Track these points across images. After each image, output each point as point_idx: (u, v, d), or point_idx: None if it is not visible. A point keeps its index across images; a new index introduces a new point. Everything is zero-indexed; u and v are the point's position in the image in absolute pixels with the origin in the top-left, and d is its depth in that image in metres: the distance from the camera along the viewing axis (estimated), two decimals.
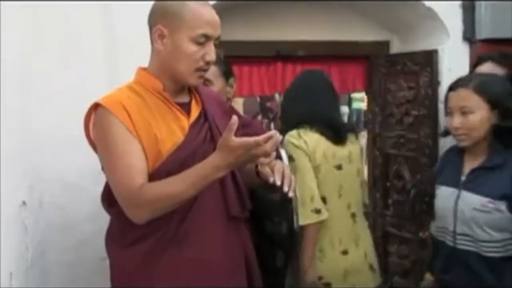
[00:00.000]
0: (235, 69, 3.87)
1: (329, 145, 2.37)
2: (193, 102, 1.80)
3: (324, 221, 2.28)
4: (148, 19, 1.75)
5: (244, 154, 1.54)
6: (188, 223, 1.69)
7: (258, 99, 8.17)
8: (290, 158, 2.35)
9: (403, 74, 3.62)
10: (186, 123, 1.74)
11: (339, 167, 2.36)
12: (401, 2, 3.42)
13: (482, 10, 3.33)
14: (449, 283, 2.09)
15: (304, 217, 2.28)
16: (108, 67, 2.67)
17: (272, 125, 7.92)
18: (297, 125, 2.40)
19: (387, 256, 3.73)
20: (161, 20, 1.68)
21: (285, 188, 1.65)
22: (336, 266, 2.31)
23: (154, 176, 1.65)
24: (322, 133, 2.35)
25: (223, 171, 1.58)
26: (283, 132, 2.33)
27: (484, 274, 1.94)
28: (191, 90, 1.82)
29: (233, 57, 3.53)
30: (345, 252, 2.32)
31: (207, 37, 1.68)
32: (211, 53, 1.70)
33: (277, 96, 7.24)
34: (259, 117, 7.90)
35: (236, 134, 1.55)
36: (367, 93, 4.17)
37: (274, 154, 1.63)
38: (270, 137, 1.53)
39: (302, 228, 2.31)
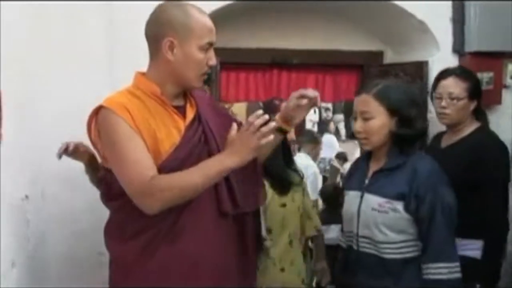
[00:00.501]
0: (232, 75, 4.02)
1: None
2: (188, 105, 1.91)
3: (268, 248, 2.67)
4: (151, 31, 1.84)
5: (244, 139, 1.70)
6: (184, 219, 1.78)
7: (261, 104, 8.24)
8: None
9: None
10: (182, 125, 1.84)
11: (283, 205, 2.74)
12: (394, 14, 3.55)
13: (471, 23, 3.46)
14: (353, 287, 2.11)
15: None
16: (108, 67, 2.75)
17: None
18: None
19: None
20: (170, 32, 1.78)
21: (311, 94, 1.87)
22: (275, 280, 2.70)
23: None
24: (271, 185, 2.67)
25: (231, 162, 1.72)
26: None
27: (384, 277, 1.95)
28: (186, 93, 1.93)
29: (230, 63, 3.67)
30: (282, 270, 2.72)
31: (210, 44, 1.83)
32: (213, 57, 1.85)
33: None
34: None
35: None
36: None
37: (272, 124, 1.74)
38: (258, 115, 1.69)
39: None
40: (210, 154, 1.83)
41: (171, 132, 1.81)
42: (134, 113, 1.75)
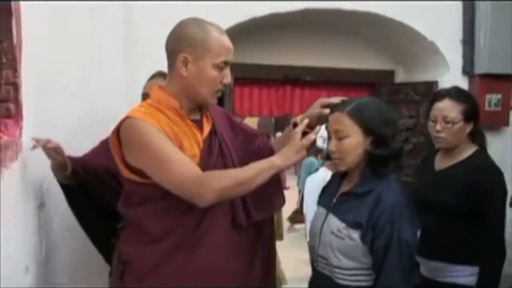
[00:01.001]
0: (246, 90, 4.09)
1: None
2: (204, 119, 1.95)
3: None
4: (170, 46, 1.87)
5: (291, 143, 1.82)
6: (203, 229, 1.82)
7: (273, 120, 8.19)
8: None
9: (405, 103, 3.80)
10: (200, 138, 1.89)
11: None
12: (406, 35, 3.63)
13: (481, 46, 3.54)
14: None
15: None
16: (124, 68, 2.86)
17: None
18: None
19: None
20: (186, 48, 1.80)
21: (334, 101, 1.95)
22: None
23: None
24: None
25: (279, 162, 1.79)
26: None
27: None
28: (201, 108, 1.96)
29: (244, 78, 3.75)
30: None
31: (226, 63, 1.86)
32: (228, 76, 1.86)
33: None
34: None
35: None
36: None
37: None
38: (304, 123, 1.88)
39: None
40: (225, 167, 1.88)
41: (192, 144, 1.86)
42: (160, 123, 1.79)
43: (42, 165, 2.36)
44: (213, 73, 1.82)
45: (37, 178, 2.38)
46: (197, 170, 1.74)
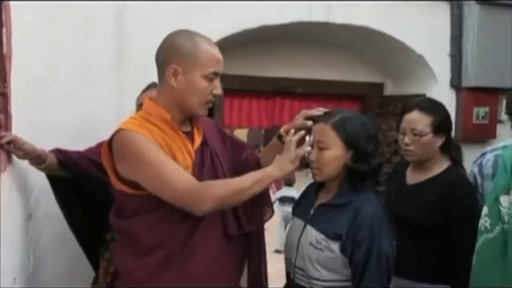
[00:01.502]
0: (236, 101, 4.10)
1: None
2: (195, 130, 1.97)
3: None
4: (160, 57, 1.89)
5: (284, 153, 1.84)
6: (194, 241, 1.82)
7: (263, 132, 8.16)
8: None
9: (393, 115, 3.81)
10: (192, 149, 1.90)
11: None
12: (395, 48, 3.66)
13: (469, 60, 3.59)
14: None
15: None
16: (116, 79, 2.87)
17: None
18: None
19: None
20: (175, 59, 1.81)
21: (316, 113, 1.95)
22: None
23: None
24: None
25: (274, 171, 1.82)
26: None
27: None
28: (192, 119, 1.98)
29: (234, 90, 3.75)
30: None
31: (216, 74, 1.87)
32: (218, 87, 1.87)
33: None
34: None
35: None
36: None
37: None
38: (300, 135, 1.87)
39: None
40: (217, 178, 1.89)
41: (184, 155, 1.87)
42: (153, 135, 1.80)
43: (31, 175, 2.36)
44: (203, 83, 1.84)
45: (25, 188, 2.37)
46: (193, 180, 1.76)
